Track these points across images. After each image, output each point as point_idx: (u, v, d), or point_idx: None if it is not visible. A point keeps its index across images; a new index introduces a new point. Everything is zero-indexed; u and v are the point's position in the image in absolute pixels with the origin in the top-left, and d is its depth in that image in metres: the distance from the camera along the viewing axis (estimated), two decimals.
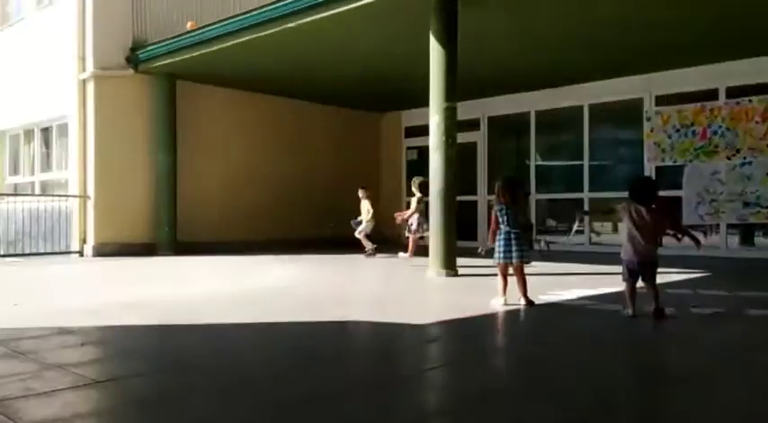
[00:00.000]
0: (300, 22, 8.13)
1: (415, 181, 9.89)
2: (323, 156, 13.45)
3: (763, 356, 3.30)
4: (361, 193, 10.75)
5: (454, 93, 7.24)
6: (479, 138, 13.04)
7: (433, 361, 3.33)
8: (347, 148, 13.99)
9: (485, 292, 5.50)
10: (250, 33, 8.83)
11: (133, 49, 10.68)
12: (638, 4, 7.44)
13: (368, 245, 10.23)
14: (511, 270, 4.94)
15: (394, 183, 14.48)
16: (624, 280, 4.48)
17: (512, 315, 4.63)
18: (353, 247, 10.58)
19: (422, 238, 9.44)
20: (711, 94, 10.09)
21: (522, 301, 4.89)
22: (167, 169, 10.82)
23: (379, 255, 10.03)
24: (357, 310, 4.77)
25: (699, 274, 7.25)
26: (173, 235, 10.76)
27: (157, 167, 10.83)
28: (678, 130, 10.37)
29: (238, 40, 9.04)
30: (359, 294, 5.80)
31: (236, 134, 12.13)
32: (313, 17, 7.97)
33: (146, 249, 10.52)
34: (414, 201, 9.81)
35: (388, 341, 3.75)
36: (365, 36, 8.81)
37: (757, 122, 9.58)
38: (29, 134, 12.48)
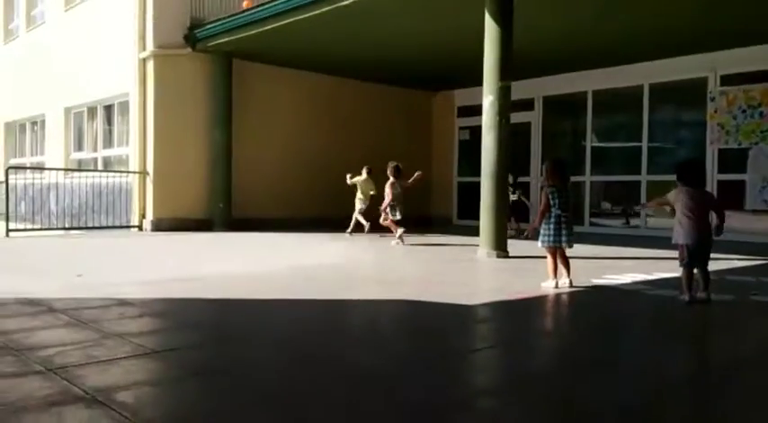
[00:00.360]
0: (353, 0, 8.10)
1: (390, 165, 9.63)
2: (375, 135, 13.44)
3: None
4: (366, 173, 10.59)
5: (509, 72, 7.11)
6: (534, 118, 12.79)
7: (485, 341, 3.33)
8: (400, 128, 13.95)
9: (535, 274, 5.44)
10: (304, 12, 8.86)
11: (191, 28, 10.87)
12: None
13: (364, 223, 10.19)
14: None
15: (447, 162, 14.39)
16: (682, 265, 4.34)
17: (563, 298, 4.57)
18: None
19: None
20: None
21: (567, 284, 4.83)
22: (222, 147, 11.05)
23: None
24: (410, 290, 4.80)
25: (762, 261, 6.96)
26: (227, 211, 11.01)
27: (213, 145, 11.07)
28: (744, 111, 9.91)
29: (293, 19, 9.08)
30: (410, 274, 5.82)
31: (290, 113, 12.25)
32: None
33: (201, 225, 10.81)
34: (387, 185, 9.44)
35: (440, 320, 3.76)
36: (418, 13, 8.71)
37: None
38: (92, 111, 12.92)
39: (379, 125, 13.57)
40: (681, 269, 4.36)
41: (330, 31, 9.71)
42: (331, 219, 12.13)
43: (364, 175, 10.64)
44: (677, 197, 4.36)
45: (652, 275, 5.57)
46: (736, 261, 6.82)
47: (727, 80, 10.17)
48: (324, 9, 8.57)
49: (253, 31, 9.80)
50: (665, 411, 2.25)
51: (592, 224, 11.97)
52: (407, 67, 12.09)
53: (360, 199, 10.60)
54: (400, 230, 9.04)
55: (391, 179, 9.48)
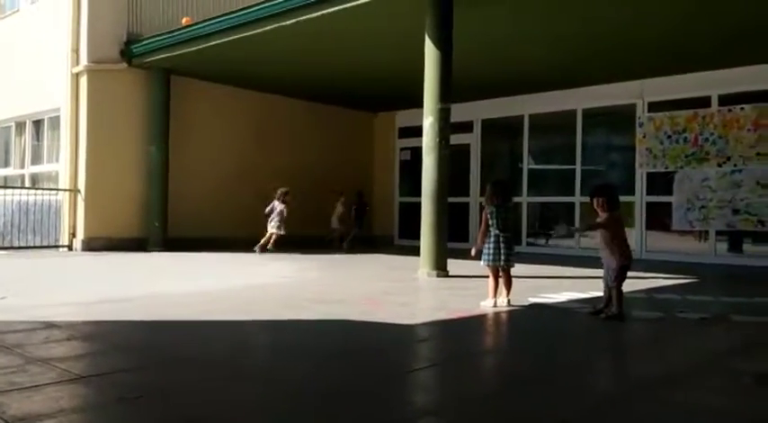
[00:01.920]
0: (296, 20, 8.12)
1: (282, 190, 10.95)
2: (316, 155, 13.42)
3: (737, 360, 3.32)
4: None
5: (448, 94, 7.25)
6: (473, 140, 13.07)
7: (422, 361, 3.33)
8: (341, 148, 13.99)
9: (475, 294, 5.52)
10: (246, 30, 8.81)
11: (127, 44, 10.63)
12: (634, 10, 7.47)
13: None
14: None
15: (388, 183, 14.49)
16: (621, 284, 4.49)
17: (501, 316, 4.64)
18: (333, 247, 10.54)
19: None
20: (704, 102, 10.16)
21: (506, 303, 4.93)
22: (159, 164, 10.78)
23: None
24: (345, 310, 4.77)
25: (687, 280, 7.29)
26: (163, 230, 10.71)
27: (149, 163, 10.78)
28: (670, 137, 10.43)
29: (234, 37, 9.02)
30: (347, 294, 5.79)
31: (229, 131, 12.09)
32: (309, 16, 7.96)
33: (136, 244, 10.47)
34: (277, 204, 10.88)
35: (380, 340, 3.74)
36: (360, 36, 8.81)
37: (749, 130, 9.65)
38: (21, 126, 12.39)
39: (321, 145, 13.57)
40: (616, 288, 4.49)
41: (271, 51, 9.68)
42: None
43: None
44: (613, 221, 4.54)
45: (586, 294, 5.73)
46: (662, 279, 7.11)
47: (654, 107, 10.69)
48: (266, 28, 8.55)
49: (192, 49, 9.67)
50: None
51: (528, 244, 12.26)
52: (349, 87, 12.17)
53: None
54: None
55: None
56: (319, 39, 8.97)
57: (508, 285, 5.01)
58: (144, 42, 10.37)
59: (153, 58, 10.36)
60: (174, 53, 9.97)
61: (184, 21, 9.91)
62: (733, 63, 9.52)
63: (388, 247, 11.63)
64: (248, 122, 12.38)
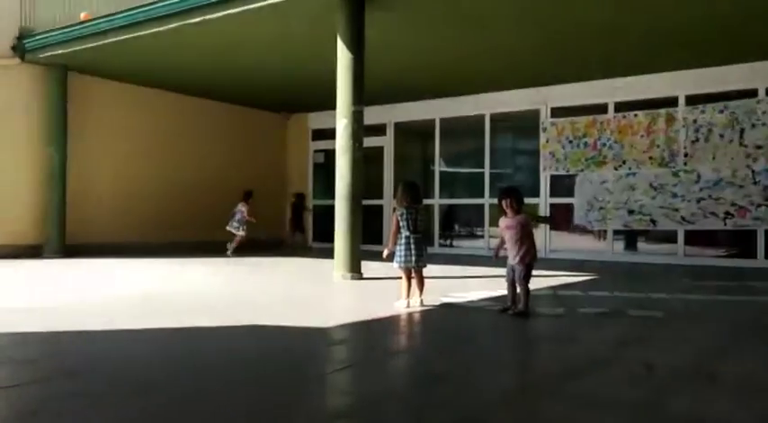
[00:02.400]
0: (203, 18, 7.91)
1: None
2: (227, 157, 13.13)
3: (633, 352, 3.54)
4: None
5: (361, 97, 7.29)
6: (386, 143, 13.21)
7: (336, 363, 3.33)
8: (253, 150, 13.76)
9: (388, 295, 5.57)
10: (149, 27, 8.49)
11: (20, 38, 9.98)
12: (535, 27, 7.80)
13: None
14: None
15: (302, 185, 14.38)
16: (528, 281, 4.70)
17: (414, 316, 4.71)
18: (255, 250, 10.37)
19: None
20: (602, 108, 10.76)
21: (418, 303, 5.01)
22: (57, 167, 10.18)
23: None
24: (256, 315, 4.68)
25: (588, 277, 7.68)
26: (61, 236, 10.12)
27: (46, 165, 10.16)
28: (571, 141, 10.97)
29: (136, 34, 8.66)
30: (263, 299, 5.69)
31: (133, 132, 11.60)
32: (217, 14, 7.78)
33: (31, 251, 9.84)
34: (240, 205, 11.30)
35: (289, 345, 3.70)
36: (271, 36, 8.70)
37: (642, 136, 10.31)
38: None
39: (232, 147, 13.29)
40: (523, 286, 4.69)
41: (177, 49, 9.38)
42: (183, 243, 11.62)
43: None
44: (530, 221, 4.73)
45: (495, 292, 5.91)
46: (565, 277, 7.46)
47: (556, 113, 11.21)
48: (170, 26, 8.27)
49: (90, 45, 9.22)
50: (505, 418, 2.38)
51: (441, 245, 12.53)
52: (260, 88, 11.99)
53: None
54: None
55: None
56: (228, 38, 8.78)
57: (420, 286, 5.09)
58: (37, 37, 9.77)
59: (47, 54, 9.78)
60: (71, 49, 9.46)
61: (83, 16, 9.41)
62: (626, 73, 10.15)
63: (301, 251, 11.53)
64: (155, 123, 11.93)
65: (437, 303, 5.22)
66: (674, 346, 3.78)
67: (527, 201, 10.88)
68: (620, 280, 7.83)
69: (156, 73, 10.89)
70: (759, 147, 9.35)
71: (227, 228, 11.12)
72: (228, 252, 10.92)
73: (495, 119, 11.94)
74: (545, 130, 11.24)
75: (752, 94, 9.49)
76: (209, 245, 11.49)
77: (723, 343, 3.86)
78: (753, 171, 9.40)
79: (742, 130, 9.49)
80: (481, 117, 11.98)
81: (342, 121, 7.27)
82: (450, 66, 10.01)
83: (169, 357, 3.32)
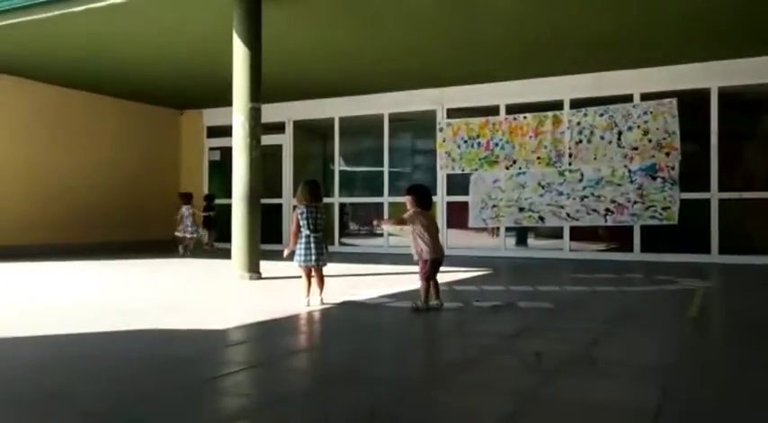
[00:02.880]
0: (90, 6, 7.45)
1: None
2: (117, 154, 12.49)
3: (524, 342, 3.73)
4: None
5: (258, 93, 7.16)
6: (285, 141, 13.06)
7: (233, 366, 3.25)
8: (144, 147, 13.16)
9: (288, 294, 5.52)
10: (27, 14, 7.89)
11: None
12: (431, 23, 7.99)
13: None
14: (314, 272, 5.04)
15: (197, 184, 13.91)
16: (424, 278, 4.81)
17: (315, 315, 4.69)
18: (150, 251, 9.91)
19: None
20: (494, 110, 11.21)
21: (319, 302, 5.01)
22: None
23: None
24: (157, 318, 4.49)
25: (483, 272, 7.98)
26: None
27: None
28: (466, 141, 11.34)
29: (15, 20, 8.02)
30: (158, 301, 5.45)
31: (11, 126, 10.75)
32: (99, 3, 7.35)
33: None
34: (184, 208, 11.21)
35: (190, 347, 3.57)
36: (163, 28, 8.35)
37: (530, 137, 10.83)
38: None
39: (122, 144, 12.66)
40: (421, 282, 4.81)
41: (58, 38, 8.78)
42: (73, 245, 10.96)
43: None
44: (415, 218, 4.83)
45: (395, 289, 6.01)
46: (462, 273, 7.71)
47: (452, 113, 11.55)
48: (53, 13, 7.73)
49: None
50: (407, 410, 2.43)
51: (341, 244, 12.55)
52: (152, 83, 11.47)
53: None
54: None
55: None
56: (116, 29, 8.33)
57: (321, 285, 5.08)
58: None
59: None
60: None
61: None
62: (516, 76, 10.63)
63: (196, 252, 11.16)
64: (35, 117, 11.12)
65: (337, 302, 5.23)
66: (561, 334, 4.00)
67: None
68: (512, 274, 8.19)
69: (34, 63, 10.13)
70: (635, 148, 10.10)
71: (180, 234, 11.01)
72: (184, 252, 11.00)
73: (394, 119, 12.12)
74: (441, 130, 11.54)
75: (628, 99, 10.23)
76: (101, 246, 10.87)
77: (603, 330, 4.13)
78: (629, 170, 10.13)
79: (620, 133, 10.20)
80: (380, 116, 12.12)
81: (238, 119, 7.12)
82: (349, 65, 10.05)
83: (53, 366, 3.10)
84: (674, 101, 9.82)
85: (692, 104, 9.86)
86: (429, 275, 4.81)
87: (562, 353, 3.37)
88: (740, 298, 6.12)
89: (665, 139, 9.90)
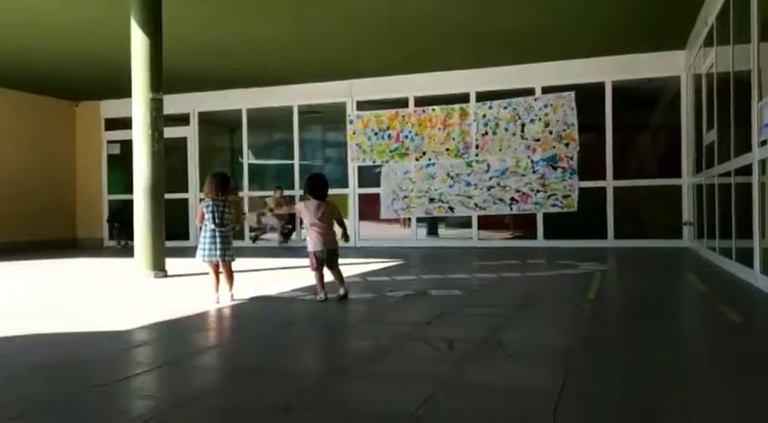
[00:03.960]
0: None
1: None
2: (5, 148, 11.61)
3: (436, 329, 3.80)
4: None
5: (160, 84, 6.87)
6: (190, 133, 12.62)
7: (140, 367, 3.11)
8: (34, 140, 12.32)
9: (196, 292, 5.35)
10: None
11: None
12: (338, 13, 7.95)
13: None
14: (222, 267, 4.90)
15: (94, 179, 13.20)
16: (314, 269, 4.83)
17: (224, 312, 4.57)
18: (47, 252, 9.29)
19: None
20: (403, 103, 11.33)
21: (229, 298, 4.88)
22: None
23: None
24: (58, 321, 4.21)
25: (395, 263, 8.06)
26: None
27: None
28: (376, 133, 11.40)
29: None
30: (59, 304, 5.12)
31: None
32: None
33: None
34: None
35: (94, 350, 3.37)
36: (53, 10, 7.81)
37: (439, 129, 11.03)
38: None
39: (10, 137, 11.77)
40: (314, 273, 4.85)
41: None
42: None
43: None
44: (306, 208, 4.83)
45: (306, 282, 5.95)
46: (374, 264, 7.76)
47: (361, 105, 11.57)
48: None
49: None
50: (322, 402, 2.41)
51: (252, 238, 12.30)
52: (43, 71, 10.73)
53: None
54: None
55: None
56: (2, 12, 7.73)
57: (230, 280, 4.95)
58: None
59: None
60: None
61: None
62: (425, 69, 10.79)
63: (97, 251, 10.59)
64: None
65: (248, 297, 5.12)
66: (471, 320, 4.11)
67: (338, 192, 11.17)
68: (423, 264, 8.33)
69: None
70: (537, 139, 10.51)
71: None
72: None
73: (304, 110, 12.00)
74: (351, 122, 11.54)
75: (530, 92, 10.63)
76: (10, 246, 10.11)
77: (510, 314, 4.28)
78: (532, 161, 10.54)
79: (523, 125, 10.59)
80: (289, 108, 11.96)
81: (139, 110, 6.80)
82: (256, 55, 9.84)
83: None
84: (572, 94, 10.31)
85: (588, 98, 10.38)
86: (316, 267, 4.84)
87: (472, 338, 3.46)
88: (633, 279, 6.53)
89: (564, 130, 10.38)
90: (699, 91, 8.47)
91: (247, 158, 12.43)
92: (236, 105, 12.26)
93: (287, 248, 10.87)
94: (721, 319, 4.02)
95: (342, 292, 4.86)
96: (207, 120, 12.73)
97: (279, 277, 6.64)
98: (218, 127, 13.22)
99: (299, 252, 9.23)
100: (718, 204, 7.05)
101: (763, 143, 4.98)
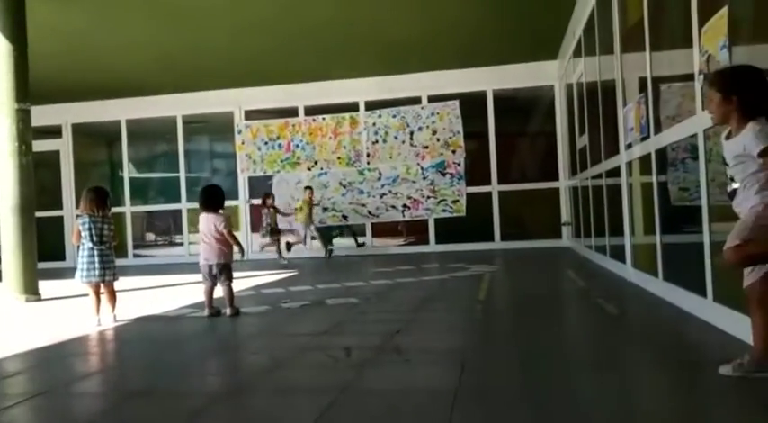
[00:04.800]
0: None
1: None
2: None
3: (332, 338, 3.79)
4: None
5: (26, 93, 6.38)
6: (63, 146, 11.82)
7: (11, 399, 2.84)
8: None
9: (75, 315, 5.00)
10: None
11: None
12: (220, 23, 7.78)
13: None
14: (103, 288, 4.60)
15: None
16: (204, 282, 4.72)
17: (107, 334, 4.29)
18: None
19: None
20: (293, 112, 11.24)
21: (112, 320, 4.60)
22: None
23: None
24: None
25: (290, 274, 7.96)
26: None
27: None
28: (267, 143, 11.23)
29: None
30: None
31: None
32: None
33: None
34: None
35: None
36: None
37: (330, 138, 11.05)
38: None
39: None
40: (231, 285, 4.73)
41: None
42: None
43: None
44: (200, 220, 4.80)
45: (195, 299, 5.73)
46: (268, 276, 7.62)
47: (250, 115, 11.35)
48: None
49: None
50: (217, 421, 2.32)
51: (136, 256, 11.70)
52: None
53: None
54: None
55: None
56: None
57: (112, 301, 4.65)
58: None
59: None
60: None
61: None
62: (314, 79, 10.76)
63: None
64: None
65: (133, 317, 4.85)
66: (368, 327, 4.12)
67: (228, 203, 10.93)
68: (319, 273, 8.28)
69: None
70: (425, 147, 10.79)
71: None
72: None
73: (189, 121, 11.59)
74: (240, 132, 11.29)
75: (417, 101, 10.90)
76: None
77: (405, 318, 4.34)
78: (422, 168, 10.80)
79: (412, 133, 10.84)
80: (173, 119, 11.51)
81: (4, 122, 6.28)
82: (135, 63, 9.39)
83: None
84: (457, 102, 10.68)
85: (472, 106, 10.80)
86: (204, 281, 4.75)
87: (370, 345, 3.47)
88: (519, 278, 6.84)
89: (451, 138, 10.72)
90: (571, 99, 9.07)
91: (128, 172, 11.81)
92: (114, 116, 11.62)
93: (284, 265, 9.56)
94: (599, 312, 4.30)
95: (228, 312, 4.68)
96: (83, 132, 11.98)
97: (169, 295, 6.35)
98: (95, 139, 12.48)
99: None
100: (593, 205, 7.56)
101: (628, 146, 5.40)
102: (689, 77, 3.69)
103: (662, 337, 3.49)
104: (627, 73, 5.54)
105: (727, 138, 2.44)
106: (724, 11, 3.10)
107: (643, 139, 4.82)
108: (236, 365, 3.43)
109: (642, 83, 4.83)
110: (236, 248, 4.81)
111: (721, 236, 3.45)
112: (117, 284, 4.72)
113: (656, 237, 4.63)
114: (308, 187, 10.54)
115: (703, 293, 3.57)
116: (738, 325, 3.03)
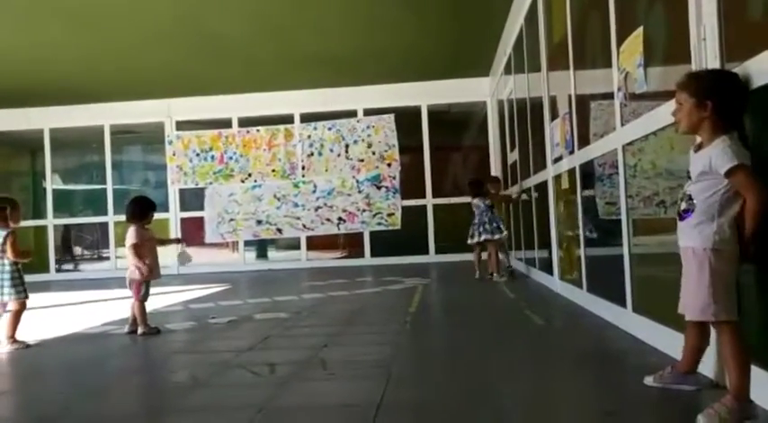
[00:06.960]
0: None
1: None
2: None
3: (258, 354, 3.70)
4: None
5: None
6: None
7: None
8: None
9: None
10: None
11: None
12: (148, 25, 7.57)
13: None
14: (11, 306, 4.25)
15: None
16: (138, 299, 4.55)
17: (16, 355, 4.05)
18: None
19: None
20: (226, 123, 11.04)
21: (11, 345, 4.16)
22: None
23: None
24: None
25: (220, 288, 7.76)
26: None
27: None
28: (198, 155, 10.97)
29: None
30: None
31: None
32: None
33: None
34: None
35: None
36: None
37: (264, 150, 10.89)
38: None
39: None
40: (136, 304, 4.54)
41: None
42: None
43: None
44: (133, 235, 4.56)
45: (121, 315, 5.50)
46: (198, 291, 7.40)
47: (181, 126, 11.08)
48: None
49: None
50: None
51: (59, 271, 11.18)
52: None
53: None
54: None
55: None
56: None
57: (15, 322, 4.20)
58: None
59: None
60: None
61: None
62: (247, 90, 10.61)
63: None
64: None
65: (50, 337, 4.59)
66: (295, 342, 4.05)
67: (159, 216, 10.56)
68: (251, 288, 8.12)
69: None
70: (361, 160, 10.79)
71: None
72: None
73: (117, 131, 11.21)
74: (171, 143, 10.99)
75: (353, 114, 10.91)
76: None
77: (334, 332, 4.29)
78: (357, 181, 10.79)
79: (347, 146, 10.82)
80: (100, 128, 11.10)
81: None
82: (58, 69, 9.00)
83: None
84: (392, 116, 10.74)
85: (407, 120, 10.89)
86: (142, 297, 4.56)
87: (296, 360, 3.40)
88: (451, 291, 6.90)
89: (386, 151, 10.77)
90: (502, 114, 9.28)
91: (51, 183, 11.29)
92: (36, 125, 11.10)
93: None
94: (527, 323, 4.37)
95: (139, 331, 4.49)
96: (3, 141, 11.39)
97: (92, 311, 6.06)
98: (15, 149, 11.89)
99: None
100: (523, 218, 7.72)
101: (555, 161, 5.55)
102: (609, 96, 3.83)
103: (583, 345, 3.57)
104: (554, 90, 5.71)
105: (697, 150, 2.16)
106: (640, 30, 3.23)
107: (570, 153, 4.96)
108: (152, 386, 3.28)
109: (569, 100, 4.98)
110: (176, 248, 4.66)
111: (641, 248, 3.58)
112: (32, 303, 4.45)
113: (581, 250, 4.76)
114: None
115: (623, 304, 3.68)
116: (654, 334, 3.14)
